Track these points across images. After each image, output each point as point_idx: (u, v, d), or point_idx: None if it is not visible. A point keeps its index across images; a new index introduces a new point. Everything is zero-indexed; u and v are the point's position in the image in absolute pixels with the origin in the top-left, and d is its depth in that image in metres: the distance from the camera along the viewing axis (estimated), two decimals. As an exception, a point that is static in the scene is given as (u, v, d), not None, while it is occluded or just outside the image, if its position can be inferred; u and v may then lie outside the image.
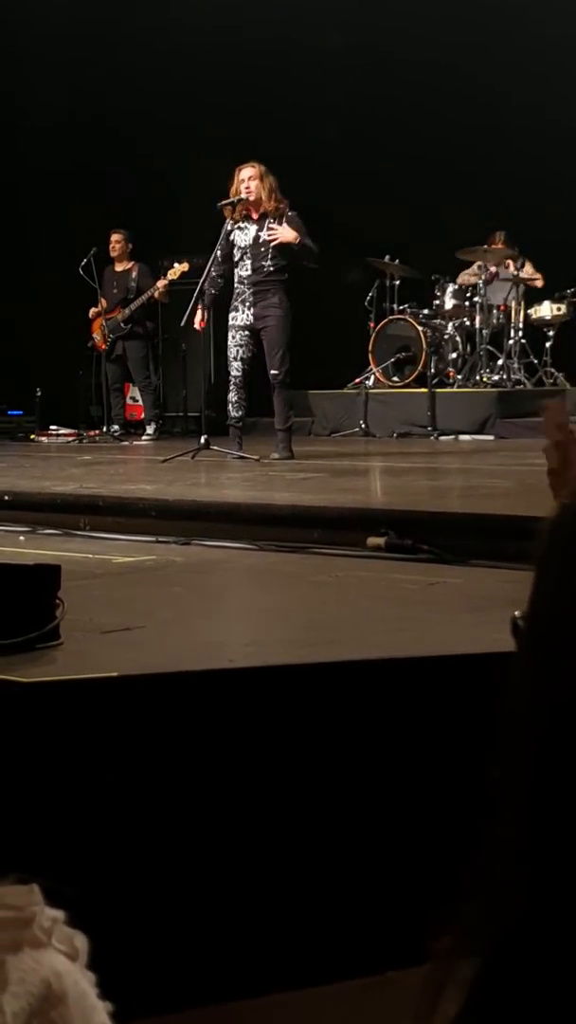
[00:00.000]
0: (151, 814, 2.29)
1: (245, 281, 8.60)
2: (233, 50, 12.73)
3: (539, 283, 12.15)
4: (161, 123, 12.79)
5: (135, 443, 11.55)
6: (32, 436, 12.40)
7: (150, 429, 11.91)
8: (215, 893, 2.28)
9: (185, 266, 10.85)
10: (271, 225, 8.51)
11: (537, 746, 0.77)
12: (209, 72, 12.80)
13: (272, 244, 8.51)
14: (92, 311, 12.08)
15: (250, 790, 2.35)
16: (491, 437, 10.70)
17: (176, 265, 11.34)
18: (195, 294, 8.86)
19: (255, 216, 8.58)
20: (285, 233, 8.46)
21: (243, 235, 8.60)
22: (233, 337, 8.70)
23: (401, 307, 12.11)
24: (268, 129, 11.87)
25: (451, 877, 0.81)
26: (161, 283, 11.54)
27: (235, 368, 8.72)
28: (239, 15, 12.70)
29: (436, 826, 2.23)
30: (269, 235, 8.50)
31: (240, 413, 8.74)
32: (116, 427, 11.97)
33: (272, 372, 8.56)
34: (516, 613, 0.82)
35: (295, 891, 2.30)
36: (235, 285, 8.68)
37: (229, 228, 8.62)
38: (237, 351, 8.69)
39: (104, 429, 12.03)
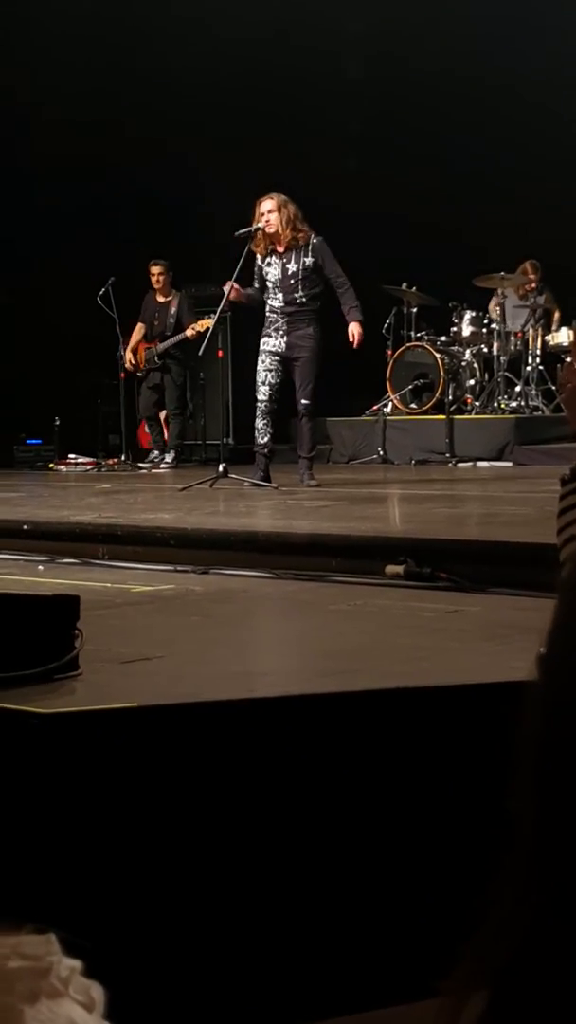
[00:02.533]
0: (169, 843, 2.29)
1: (278, 311, 8.62)
2: (251, 77, 12.79)
3: (557, 314, 12.17)
4: (177, 153, 12.86)
5: (153, 471, 11.58)
6: (51, 465, 12.43)
7: (169, 457, 11.94)
8: (232, 923, 2.27)
9: (209, 323, 10.78)
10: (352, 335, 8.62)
11: (547, 777, 0.77)
12: (228, 100, 12.87)
13: (301, 279, 8.56)
14: (138, 337, 12.16)
15: (269, 819, 2.34)
16: (509, 464, 10.69)
17: (201, 320, 11.30)
18: (213, 323, 8.90)
19: (280, 249, 8.61)
20: (358, 336, 8.65)
21: (272, 270, 8.63)
22: (263, 361, 8.69)
23: (418, 334, 12.14)
24: (286, 156, 11.91)
25: (465, 908, 0.81)
26: (190, 332, 11.53)
27: (262, 393, 8.71)
28: (257, 45, 12.76)
29: (454, 856, 2.22)
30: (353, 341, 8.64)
31: (266, 439, 8.70)
32: (155, 454, 12.01)
33: (304, 402, 8.59)
34: (542, 649, 0.82)
35: (311, 920, 2.29)
36: (267, 313, 8.70)
37: (259, 262, 8.67)
38: (266, 375, 8.68)
39: (124, 457, 12.04)
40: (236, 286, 8.59)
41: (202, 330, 11.19)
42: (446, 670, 3.00)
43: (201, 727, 2.43)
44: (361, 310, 8.70)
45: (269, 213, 8.55)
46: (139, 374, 12.21)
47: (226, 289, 8.61)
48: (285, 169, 10.62)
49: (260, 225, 8.54)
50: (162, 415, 12.38)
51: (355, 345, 8.68)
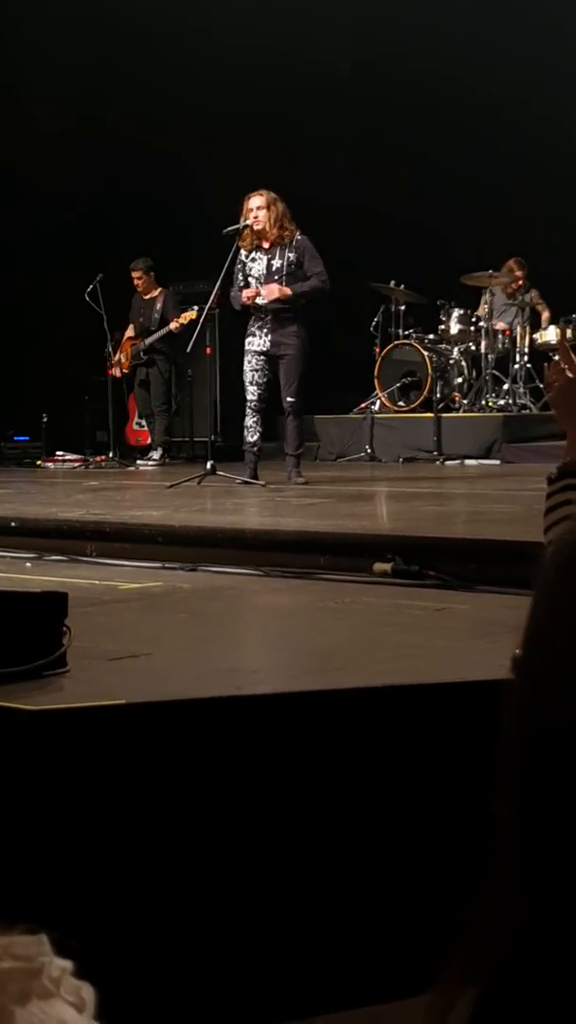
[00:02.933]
0: (157, 841, 2.29)
1: (262, 307, 8.61)
2: (241, 77, 12.80)
3: (545, 314, 12.19)
4: (166, 149, 12.85)
5: (141, 468, 11.57)
6: (38, 462, 12.41)
7: (155, 455, 11.92)
8: (221, 920, 2.27)
9: (193, 314, 10.76)
10: (265, 290, 8.53)
11: (529, 778, 0.78)
12: (218, 99, 12.87)
13: (285, 275, 8.54)
14: (126, 336, 12.17)
15: (257, 817, 2.34)
16: (497, 462, 10.71)
17: (185, 312, 11.35)
18: (201, 320, 8.89)
19: (266, 245, 8.61)
20: (271, 293, 8.50)
21: (257, 265, 8.62)
22: (249, 361, 8.70)
23: (407, 332, 12.14)
24: (275, 154, 11.91)
25: (454, 906, 0.81)
26: (174, 324, 11.57)
27: (251, 392, 8.72)
28: (248, 45, 12.76)
29: (441, 855, 2.23)
30: (265, 300, 8.53)
31: (256, 438, 8.72)
32: (154, 453, 11.99)
33: (289, 400, 8.60)
34: (517, 651, 0.82)
35: (300, 919, 2.30)
36: (252, 311, 8.69)
37: (243, 257, 8.64)
38: (253, 375, 8.69)
39: (110, 454, 12.03)
40: (251, 292, 8.58)
41: (186, 323, 11.20)
42: (434, 668, 3.00)
43: (189, 724, 2.43)
44: (304, 295, 8.58)
45: (258, 209, 8.55)
46: (123, 373, 12.18)
47: (240, 299, 8.60)
48: (275, 167, 10.61)
49: (248, 222, 8.54)
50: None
51: (257, 295, 8.55)
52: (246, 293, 8.58)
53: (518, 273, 12.23)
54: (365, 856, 2.35)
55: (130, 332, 12.24)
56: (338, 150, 13.42)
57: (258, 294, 8.53)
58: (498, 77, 12.64)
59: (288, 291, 8.50)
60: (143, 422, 12.62)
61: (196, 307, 10.63)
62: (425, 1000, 0.81)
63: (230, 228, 8.60)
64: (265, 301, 8.52)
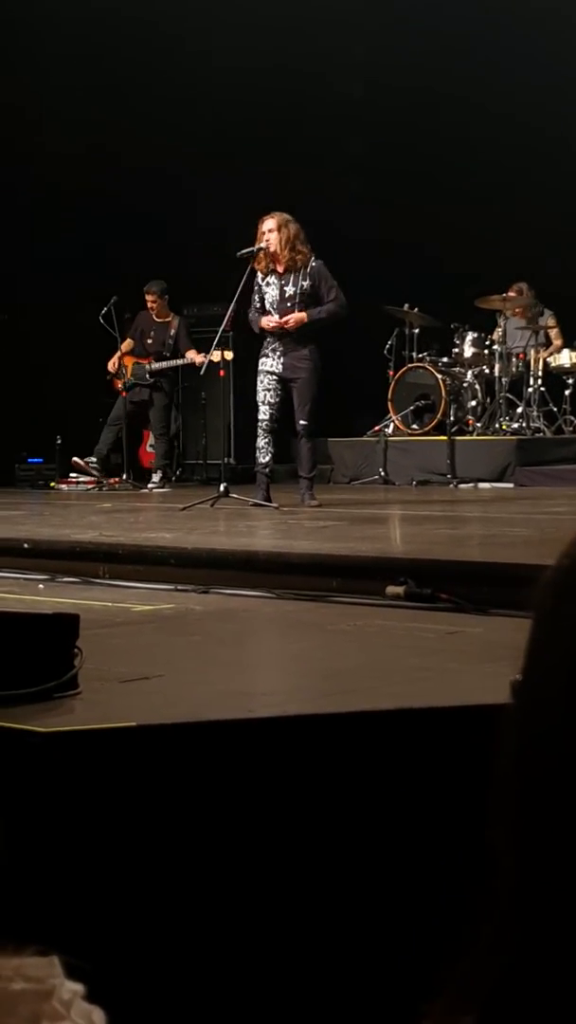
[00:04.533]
0: (169, 863, 2.28)
1: (276, 333, 8.63)
2: (254, 100, 12.84)
3: (558, 342, 12.19)
4: (178, 173, 12.90)
5: (154, 491, 11.58)
6: (52, 484, 12.43)
7: (156, 477, 11.93)
8: (232, 943, 2.26)
9: (230, 355, 10.45)
10: (286, 317, 8.55)
11: (528, 802, 0.77)
12: (230, 123, 12.92)
13: (298, 302, 8.57)
14: (122, 352, 12.14)
15: (268, 839, 2.33)
16: (511, 485, 10.70)
17: (220, 352, 11.06)
18: (214, 343, 8.93)
19: (280, 269, 8.64)
20: (291, 320, 8.53)
21: (271, 291, 8.65)
22: (261, 381, 8.72)
23: (420, 355, 12.16)
24: (289, 178, 11.95)
25: (459, 929, 0.81)
26: (200, 359, 11.18)
27: (263, 412, 8.75)
28: (259, 68, 12.81)
29: (453, 878, 2.22)
30: (284, 323, 8.57)
31: (267, 459, 8.74)
32: (155, 476, 11.93)
33: (302, 422, 8.63)
34: (517, 676, 0.82)
35: (312, 941, 2.29)
36: (266, 333, 8.71)
37: (260, 280, 8.67)
38: (265, 395, 8.72)
39: (124, 476, 12.04)
40: (271, 319, 8.59)
41: (216, 360, 11.07)
42: (446, 691, 2.99)
43: (200, 747, 2.43)
44: (320, 322, 8.66)
45: (269, 232, 8.59)
46: (122, 385, 12.15)
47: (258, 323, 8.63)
48: (288, 191, 10.66)
49: (262, 245, 8.57)
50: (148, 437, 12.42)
51: (279, 321, 8.58)
52: (266, 320, 8.60)
53: (528, 295, 12.21)
54: (374, 878, 2.34)
55: (126, 347, 12.18)
56: (352, 173, 13.46)
57: (283, 324, 8.54)
58: (513, 100, 12.67)
59: (304, 317, 8.52)
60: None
61: (229, 353, 10.33)
62: None
63: (244, 251, 8.63)
64: (291, 326, 8.52)
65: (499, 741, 0.80)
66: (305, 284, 8.60)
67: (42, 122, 12.59)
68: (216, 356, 10.20)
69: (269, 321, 8.58)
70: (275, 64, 12.84)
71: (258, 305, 8.70)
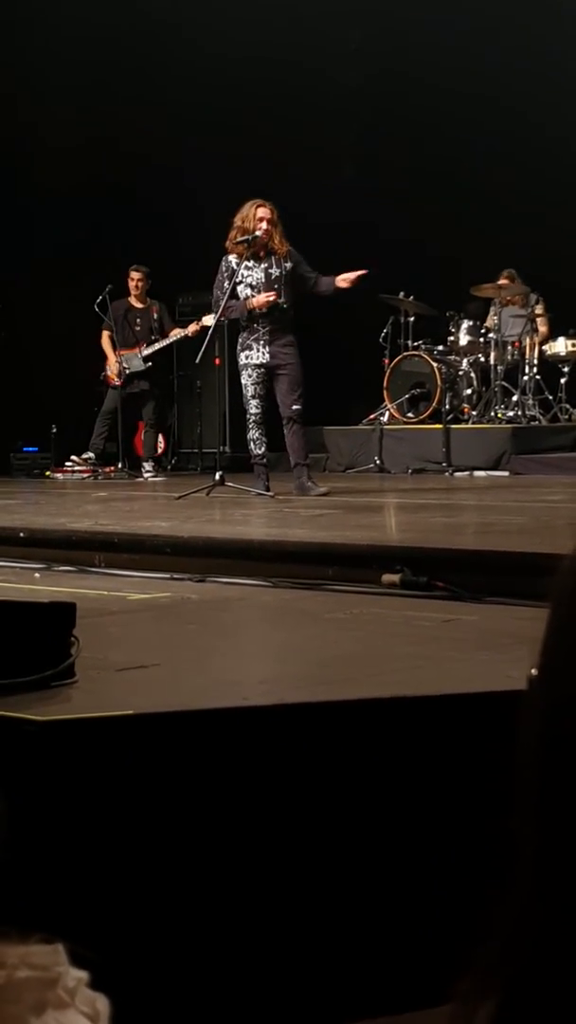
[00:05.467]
0: (166, 851, 2.29)
1: (259, 319, 8.62)
2: (248, 89, 12.82)
3: (543, 329, 12.17)
4: (172, 163, 12.88)
5: (148, 479, 11.58)
6: (47, 472, 12.43)
7: (148, 466, 11.94)
8: (234, 931, 2.27)
9: (206, 321, 10.48)
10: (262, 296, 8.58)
11: (550, 791, 0.77)
12: (224, 111, 12.89)
13: (284, 283, 8.58)
14: (109, 346, 12.13)
15: (265, 827, 2.34)
16: (506, 473, 10.70)
17: (198, 323, 11.17)
18: (210, 331, 8.91)
19: (261, 253, 8.64)
20: (347, 278, 8.64)
21: (252, 273, 8.63)
22: (249, 375, 8.72)
23: (416, 343, 12.16)
24: (283, 164, 11.94)
25: (470, 917, 0.81)
26: (192, 328, 11.39)
27: (253, 405, 8.75)
28: (254, 56, 12.79)
29: (453, 866, 2.22)
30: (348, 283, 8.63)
31: (263, 450, 8.78)
32: (146, 464, 11.96)
33: (295, 408, 8.62)
34: (533, 671, 0.82)
35: (315, 929, 2.29)
36: (243, 323, 8.71)
37: (234, 266, 8.64)
38: (254, 388, 8.72)
39: (119, 465, 12.05)
40: (266, 295, 8.60)
41: (194, 333, 11.10)
42: (443, 679, 3.00)
43: (197, 735, 2.43)
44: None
45: (268, 222, 8.58)
46: (115, 376, 12.14)
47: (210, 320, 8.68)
48: (282, 179, 10.65)
49: (258, 233, 8.55)
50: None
51: (353, 278, 8.65)
52: (262, 297, 8.57)
53: (518, 282, 12.20)
54: (375, 865, 2.34)
55: (107, 339, 12.14)
56: (347, 162, 13.44)
57: (273, 297, 8.53)
58: (510, 91, 12.66)
59: (344, 281, 8.65)
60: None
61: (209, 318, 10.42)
62: (445, 1011, 0.81)
63: (241, 238, 8.60)
64: (349, 282, 8.64)
65: (520, 725, 0.80)
66: (288, 265, 8.64)
67: (39, 114, 12.56)
68: (207, 321, 10.34)
69: (262, 298, 8.55)
70: (272, 53, 12.81)
71: (227, 287, 8.63)
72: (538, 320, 12.21)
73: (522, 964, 0.76)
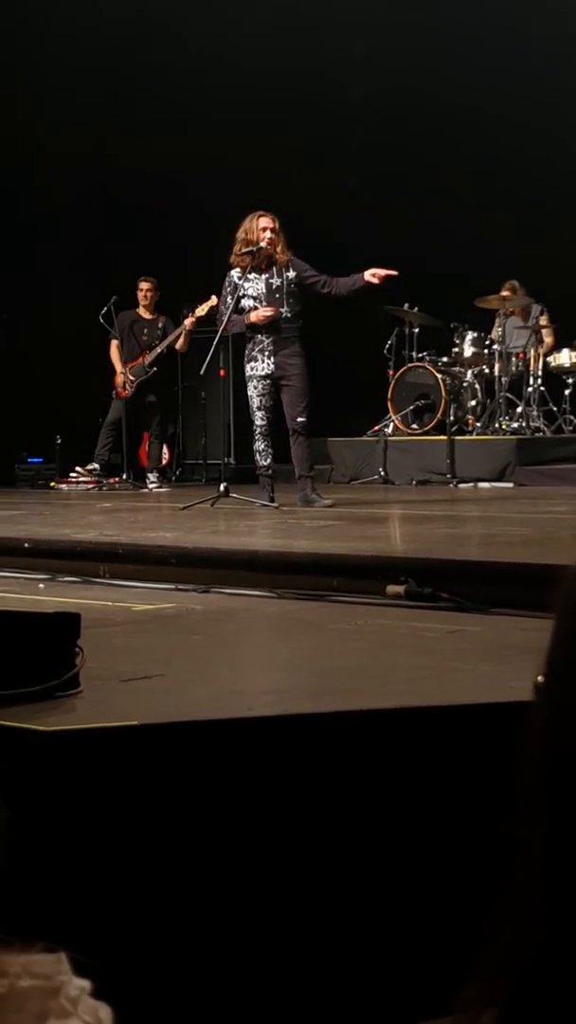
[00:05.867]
0: (170, 862, 2.29)
1: (263, 330, 8.62)
2: (252, 100, 12.84)
3: (548, 340, 12.17)
4: (177, 173, 12.90)
5: (153, 490, 11.59)
6: (52, 484, 12.43)
7: (153, 477, 11.95)
8: (237, 941, 2.27)
9: (213, 300, 10.48)
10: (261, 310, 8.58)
11: (556, 799, 0.78)
12: (228, 123, 12.92)
13: (286, 293, 8.58)
14: (117, 356, 12.14)
15: (268, 838, 2.34)
16: (511, 485, 10.70)
17: (203, 305, 11.18)
18: (215, 342, 8.92)
19: (263, 265, 8.64)
20: (375, 275, 8.64)
21: (254, 284, 8.63)
22: (255, 387, 8.72)
23: (420, 355, 12.16)
24: (286, 176, 11.96)
25: (473, 926, 0.81)
26: (188, 321, 11.48)
27: (259, 417, 8.75)
28: (258, 68, 12.81)
29: (456, 876, 2.22)
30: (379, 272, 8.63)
31: (268, 461, 8.79)
32: (151, 475, 11.98)
33: (300, 420, 8.62)
34: (539, 678, 0.82)
35: (318, 939, 2.29)
36: (248, 333, 8.71)
37: (236, 280, 8.65)
38: (260, 400, 8.72)
39: (124, 476, 12.04)
40: (266, 310, 8.60)
41: (203, 314, 11.08)
42: (447, 690, 3.00)
43: (201, 745, 2.43)
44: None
45: (272, 232, 8.59)
46: (121, 386, 12.16)
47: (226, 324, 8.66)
48: (286, 189, 10.66)
49: (262, 244, 8.56)
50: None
51: (383, 274, 8.67)
52: (262, 312, 8.57)
53: (521, 293, 12.20)
54: (380, 876, 2.34)
55: (116, 350, 12.17)
56: (351, 172, 13.45)
57: (271, 312, 8.53)
58: (514, 103, 12.68)
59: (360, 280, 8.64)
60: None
61: (214, 296, 10.36)
62: (448, 1021, 0.81)
63: (245, 250, 8.61)
64: (380, 279, 8.62)
65: (526, 732, 0.81)
66: (290, 275, 8.63)
67: (41, 121, 12.60)
68: (200, 310, 10.34)
69: (264, 312, 8.55)
70: (275, 63, 12.83)
71: (230, 302, 8.64)
72: (543, 331, 12.21)
73: (525, 972, 0.76)
